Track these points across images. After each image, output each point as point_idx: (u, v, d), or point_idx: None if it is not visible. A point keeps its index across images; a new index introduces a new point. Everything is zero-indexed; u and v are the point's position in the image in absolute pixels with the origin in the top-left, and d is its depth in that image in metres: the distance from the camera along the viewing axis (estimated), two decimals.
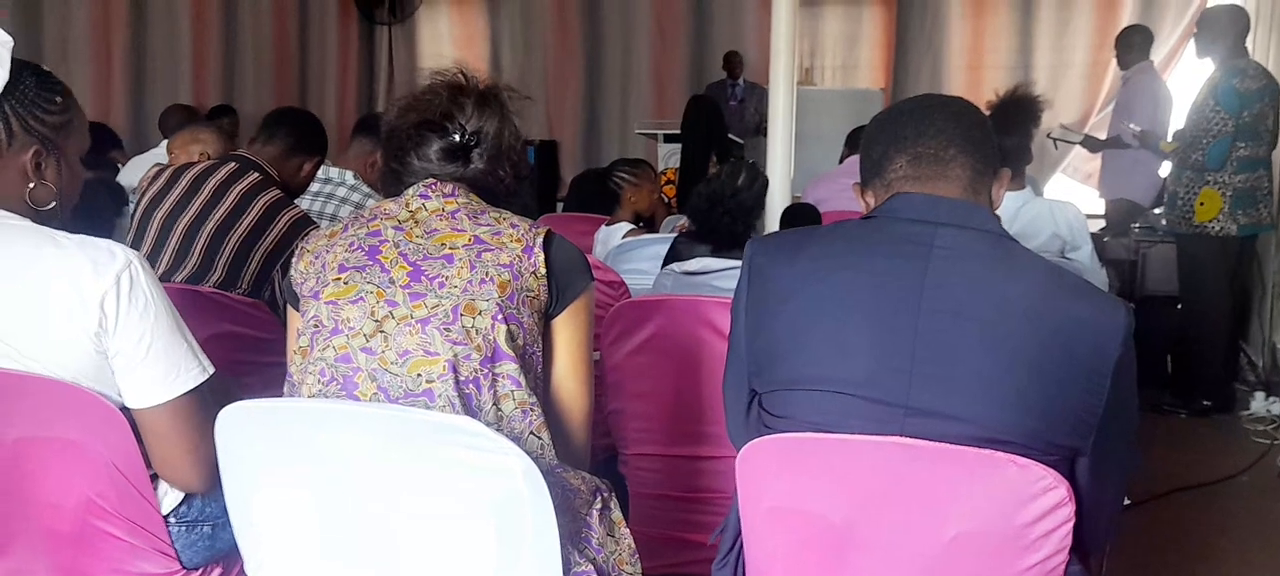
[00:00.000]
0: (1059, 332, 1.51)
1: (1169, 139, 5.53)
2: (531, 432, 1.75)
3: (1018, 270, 1.57)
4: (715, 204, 3.19)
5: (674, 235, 4.29)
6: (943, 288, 1.54)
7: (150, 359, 1.75)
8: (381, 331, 1.71)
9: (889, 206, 1.67)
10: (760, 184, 3.27)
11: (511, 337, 1.73)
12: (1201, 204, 5.03)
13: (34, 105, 1.78)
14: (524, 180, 1.97)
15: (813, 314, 1.61)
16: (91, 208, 3.86)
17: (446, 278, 1.72)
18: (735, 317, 1.73)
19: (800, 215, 4.39)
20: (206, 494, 1.88)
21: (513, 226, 1.79)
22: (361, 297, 1.73)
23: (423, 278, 1.73)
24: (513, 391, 1.73)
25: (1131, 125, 5.99)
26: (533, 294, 1.77)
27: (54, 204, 1.83)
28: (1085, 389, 1.52)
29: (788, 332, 1.63)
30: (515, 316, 1.74)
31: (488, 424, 1.63)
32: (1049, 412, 1.52)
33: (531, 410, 1.75)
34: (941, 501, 1.51)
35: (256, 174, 3.15)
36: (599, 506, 1.80)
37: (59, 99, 1.82)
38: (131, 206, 3.47)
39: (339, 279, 1.75)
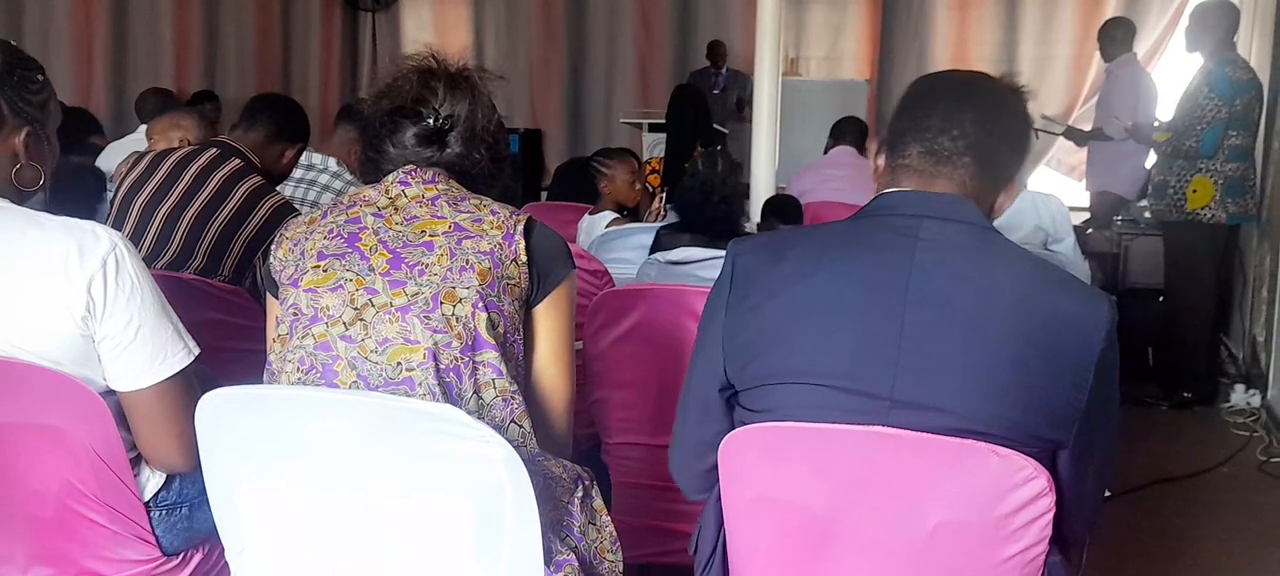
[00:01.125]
0: (1043, 326, 1.51)
1: (1155, 130, 5.55)
2: (513, 421, 1.74)
3: (1002, 263, 1.56)
4: (708, 194, 3.18)
5: (658, 224, 4.29)
6: (928, 281, 1.54)
7: (138, 342, 1.75)
8: (361, 319, 1.70)
9: (876, 205, 1.66)
10: (738, 171, 3.29)
11: (492, 325, 1.72)
12: (1194, 191, 5.06)
13: (21, 87, 1.78)
14: (503, 162, 1.95)
15: (797, 309, 1.60)
16: (75, 192, 3.83)
17: (426, 265, 1.71)
18: (711, 317, 1.70)
19: (782, 206, 4.40)
20: (189, 474, 1.87)
21: (493, 213, 1.78)
22: (341, 285, 1.72)
23: (402, 265, 1.71)
24: (494, 380, 1.72)
25: (1123, 122, 6.01)
26: (513, 281, 1.76)
27: (42, 181, 1.82)
28: (1068, 383, 1.52)
29: (771, 327, 1.61)
30: (496, 304, 1.73)
31: (469, 412, 1.62)
32: (1032, 406, 1.52)
33: (513, 398, 1.74)
34: (923, 491, 1.52)
35: (238, 160, 3.13)
36: (580, 494, 1.79)
37: (40, 77, 1.83)
38: (110, 193, 3.44)
39: (318, 266, 1.74)
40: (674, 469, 1.83)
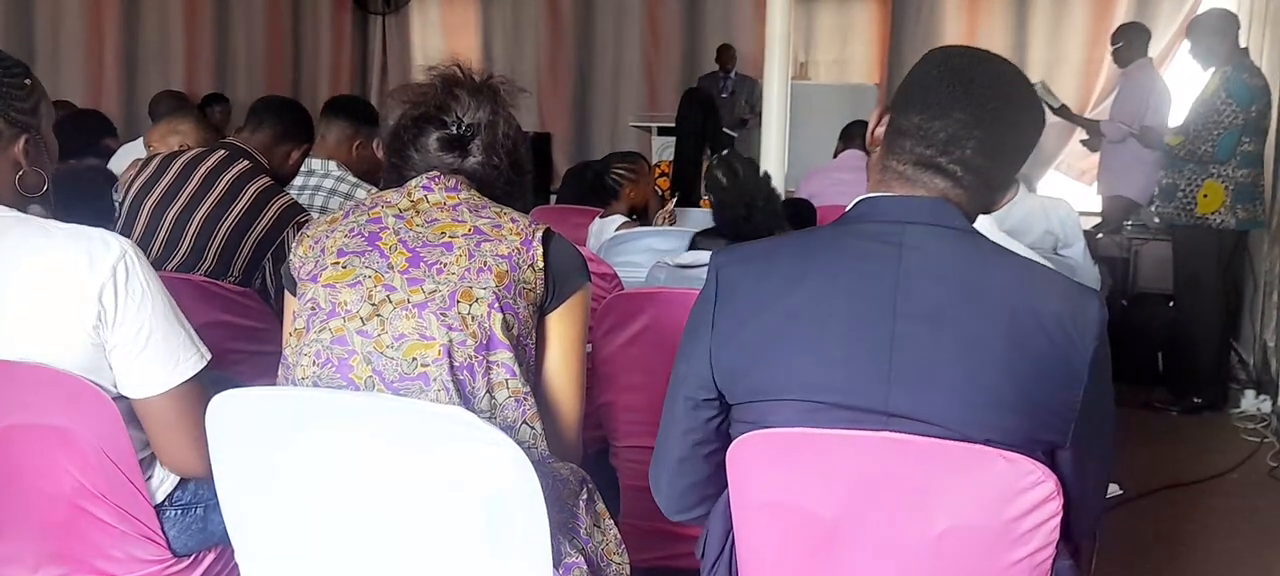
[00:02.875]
0: (1034, 330, 1.49)
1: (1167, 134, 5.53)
2: (524, 422, 1.75)
3: (989, 267, 1.54)
4: (753, 206, 3.09)
5: (668, 228, 4.29)
6: (916, 290, 1.51)
7: (149, 350, 1.75)
8: (378, 315, 1.71)
9: (858, 211, 1.62)
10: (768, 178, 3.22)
11: (507, 327, 1.73)
12: (1205, 196, 5.05)
13: (11, 97, 1.77)
14: (525, 174, 1.97)
15: (786, 323, 1.57)
16: (88, 194, 3.83)
17: (445, 264, 1.73)
18: (695, 332, 1.66)
19: (798, 210, 4.38)
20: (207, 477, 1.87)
21: (513, 221, 1.81)
22: (359, 281, 1.73)
23: (421, 263, 1.73)
24: (507, 380, 1.73)
25: (1128, 126, 5.99)
26: (529, 286, 1.77)
27: (46, 187, 1.82)
28: (1061, 384, 1.51)
29: (760, 342, 1.59)
30: (511, 306, 1.74)
31: (481, 412, 1.63)
32: (1027, 410, 1.50)
33: (525, 400, 1.75)
34: (931, 496, 1.51)
35: (246, 161, 3.14)
36: (585, 497, 1.80)
37: (27, 81, 1.81)
38: (118, 197, 3.43)
39: (337, 263, 1.76)
40: (654, 485, 1.80)
